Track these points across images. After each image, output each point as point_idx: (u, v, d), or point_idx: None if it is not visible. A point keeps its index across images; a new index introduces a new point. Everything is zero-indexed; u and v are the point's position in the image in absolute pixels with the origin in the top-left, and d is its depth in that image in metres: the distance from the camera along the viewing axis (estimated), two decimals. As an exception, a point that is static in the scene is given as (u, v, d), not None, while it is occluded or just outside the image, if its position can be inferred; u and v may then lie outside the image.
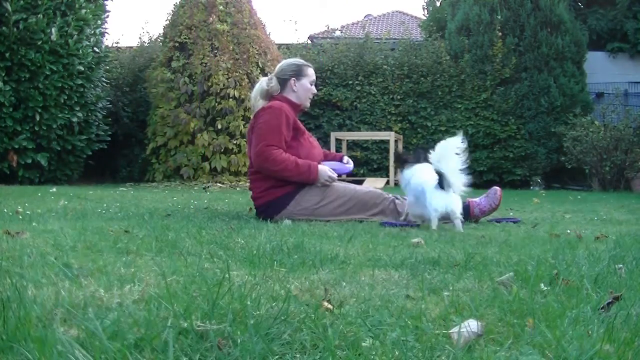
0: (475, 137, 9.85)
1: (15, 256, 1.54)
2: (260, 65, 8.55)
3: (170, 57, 8.53)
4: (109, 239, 2.00)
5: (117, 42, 11.37)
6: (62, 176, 7.82)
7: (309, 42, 13.92)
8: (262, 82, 3.30)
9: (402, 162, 3.02)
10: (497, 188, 3.23)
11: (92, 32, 7.95)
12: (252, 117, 3.26)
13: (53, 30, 7.15)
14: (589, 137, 8.69)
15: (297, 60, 3.32)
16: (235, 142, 8.23)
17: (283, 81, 3.24)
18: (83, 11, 7.64)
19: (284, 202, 3.08)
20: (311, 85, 3.28)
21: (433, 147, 2.68)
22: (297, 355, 0.85)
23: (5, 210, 3.15)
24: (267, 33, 9.22)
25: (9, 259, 1.50)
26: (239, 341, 0.87)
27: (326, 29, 14.50)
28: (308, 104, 3.32)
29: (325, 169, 3.12)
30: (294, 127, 3.12)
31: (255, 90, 3.33)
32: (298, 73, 3.23)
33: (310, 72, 3.29)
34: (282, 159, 3.02)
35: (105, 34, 8.55)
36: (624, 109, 9.66)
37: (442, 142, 2.65)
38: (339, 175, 3.29)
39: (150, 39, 10.97)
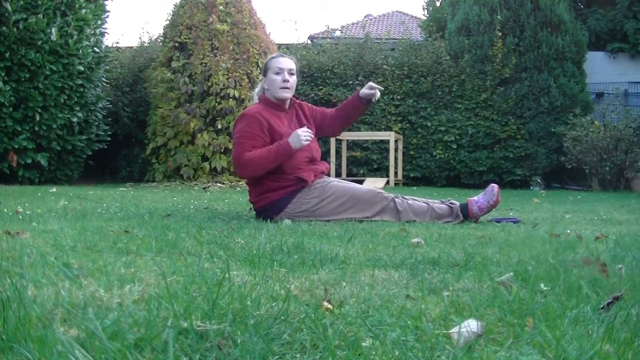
0: (475, 137, 9.86)
1: (15, 256, 1.54)
2: (260, 65, 8.55)
3: (170, 57, 8.53)
4: (109, 239, 2.00)
5: (117, 42, 11.38)
6: (62, 176, 7.82)
7: (309, 42, 13.92)
8: (255, 89, 3.43)
9: None
10: (495, 185, 3.20)
11: (92, 32, 7.95)
12: None
13: (53, 30, 7.15)
14: (589, 137, 8.69)
15: (269, 58, 3.29)
16: (235, 142, 8.23)
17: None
18: (83, 11, 7.64)
19: (282, 204, 3.07)
20: (277, 75, 3.14)
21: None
22: (297, 355, 0.86)
23: (5, 210, 3.14)
24: (267, 33, 9.22)
25: (9, 259, 1.50)
26: (239, 341, 0.87)
27: (326, 29, 14.49)
28: (283, 94, 3.14)
29: (296, 132, 3.01)
30: (269, 131, 3.06)
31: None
32: (265, 70, 3.21)
33: (274, 63, 3.16)
34: (253, 155, 2.98)
35: (105, 34, 8.55)
36: (624, 109, 9.66)
37: None
38: None
39: (150, 39, 10.97)
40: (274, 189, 3.08)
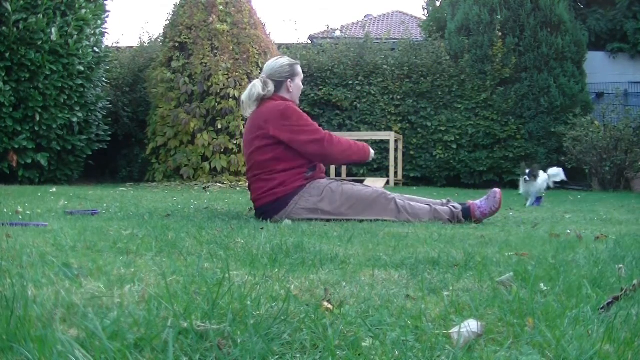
0: (475, 137, 9.86)
1: (15, 256, 1.54)
2: (260, 65, 8.55)
3: (170, 57, 8.53)
4: (109, 239, 2.00)
5: (117, 42, 11.39)
6: (62, 176, 7.82)
7: (309, 42, 13.92)
8: (258, 88, 3.17)
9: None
10: (497, 190, 3.20)
11: (92, 32, 7.95)
12: (250, 119, 3.21)
13: (53, 30, 7.15)
14: (589, 137, 8.69)
15: (287, 60, 3.29)
16: (235, 142, 8.23)
17: (279, 83, 3.21)
18: (83, 11, 7.64)
19: (285, 201, 3.07)
20: (302, 84, 3.37)
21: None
22: (297, 355, 0.85)
23: (5, 210, 3.14)
24: (267, 33, 9.22)
25: (9, 259, 1.50)
26: (239, 341, 0.87)
27: (326, 29, 14.50)
28: (298, 102, 3.39)
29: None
30: None
31: (249, 95, 3.20)
32: (292, 73, 3.24)
33: (300, 70, 3.34)
34: (343, 139, 3.20)
35: (105, 34, 8.56)
36: (624, 109, 9.66)
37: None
38: None
39: (150, 39, 10.98)
40: (283, 184, 3.06)
